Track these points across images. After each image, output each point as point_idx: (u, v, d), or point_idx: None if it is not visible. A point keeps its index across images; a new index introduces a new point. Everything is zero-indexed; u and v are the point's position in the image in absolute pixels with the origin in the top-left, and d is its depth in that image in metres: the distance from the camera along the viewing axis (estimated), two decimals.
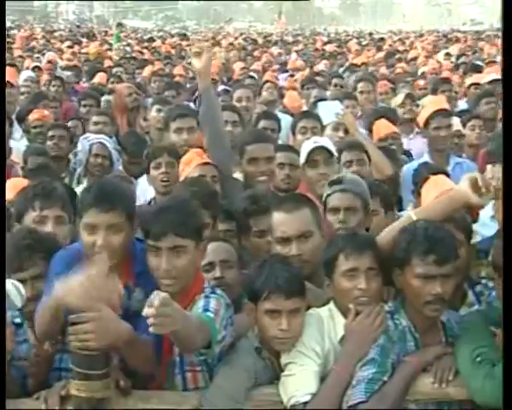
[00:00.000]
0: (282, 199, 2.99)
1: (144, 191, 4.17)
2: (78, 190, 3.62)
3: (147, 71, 9.71)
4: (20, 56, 11.89)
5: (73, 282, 2.10)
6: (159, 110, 5.53)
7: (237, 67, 10.39)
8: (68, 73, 9.66)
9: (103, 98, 6.65)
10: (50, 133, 5.04)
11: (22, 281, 2.46)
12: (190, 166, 3.67)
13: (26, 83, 7.49)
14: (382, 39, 21.16)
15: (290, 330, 2.38)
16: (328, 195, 3.07)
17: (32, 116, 5.42)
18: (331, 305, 2.53)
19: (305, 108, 6.33)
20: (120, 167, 4.82)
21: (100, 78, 8.44)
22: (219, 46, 17.20)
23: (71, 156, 5.04)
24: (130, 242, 2.46)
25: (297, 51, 15.79)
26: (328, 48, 16.27)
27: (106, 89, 7.45)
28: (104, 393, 2.20)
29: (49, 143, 4.99)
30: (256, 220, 3.10)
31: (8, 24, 28.31)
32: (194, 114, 4.50)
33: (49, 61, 10.57)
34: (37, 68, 9.27)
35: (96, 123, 5.44)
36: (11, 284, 1.80)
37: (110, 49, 15.24)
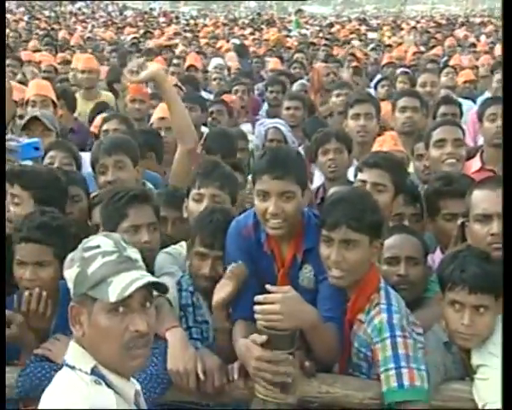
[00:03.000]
0: (483, 179, 2.78)
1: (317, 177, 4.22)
2: None
3: None
4: (207, 44, 12.45)
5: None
6: (338, 95, 5.54)
7: (410, 51, 10.11)
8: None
9: (298, 82, 6.76)
10: (210, 109, 5.18)
11: (204, 255, 2.58)
12: (382, 147, 3.62)
13: (216, 70, 7.78)
14: None
15: (473, 326, 2.26)
16: None
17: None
18: None
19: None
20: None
21: (274, 64, 8.58)
22: (400, 30, 16.81)
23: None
24: (302, 213, 2.45)
25: (486, 33, 14.96)
26: None
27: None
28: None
29: (208, 119, 5.12)
30: (446, 202, 2.94)
31: (194, 13, 29.83)
32: (373, 100, 4.44)
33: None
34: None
35: (287, 108, 5.54)
36: (131, 279, 1.73)
37: (289, 36, 15.45)
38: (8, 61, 7.39)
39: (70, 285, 1.77)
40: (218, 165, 3.10)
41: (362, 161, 3.15)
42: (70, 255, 1.79)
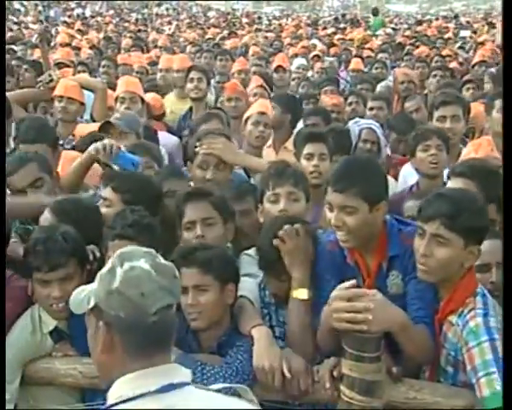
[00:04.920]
0: None
1: (406, 176, 4.16)
2: None
3: None
4: (290, 44, 12.46)
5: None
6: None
7: None
8: (331, 59, 9.90)
9: (382, 83, 6.71)
10: (306, 122, 5.16)
11: None
12: (478, 152, 3.53)
13: (298, 70, 7.84)
14: None
15: None
16: None
17: (331, 101, 5.61)
18: None
19: None
20: (388, 151, 4.84)
21: (355, 64, 8.50)
22: (493, 27, 16.28)
23: None
24: (384, 221, 2.43)
25: None
26: None
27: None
28: (375, 376, 2.21)
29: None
30: None
31: (276, 13, 29.92)
32: (460, 102, 4.33)
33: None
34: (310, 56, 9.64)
35: (371, 108, 5.52)
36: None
37: (375, 36, 15.25)
38: (103, 62, 7.68)
39: None
40: (289, 164, 3.12)
41: (450, 170, 3.12)
42: None
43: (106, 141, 3.20)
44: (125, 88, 5.00)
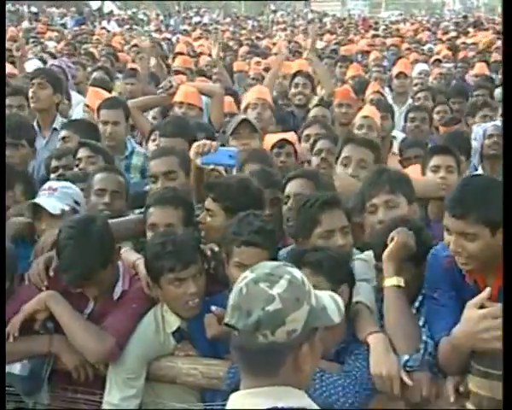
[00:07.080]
0: None
1: None
2: None
3: None
4: (408, 49, 12.15)
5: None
6: None
7: None
8: (449, 65, 9.61)
9: (498, 89, 6.51)
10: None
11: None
12: None
13: (419, 75, 7.66)
14: None
15: None
16: None
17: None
18: None
19: None
20: None
21: (479, 68, 8.20)
22: None
23: None
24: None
25: None
26: None
27: None
28: None
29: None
30: None
31: (393, 18, 29.31)
32: None
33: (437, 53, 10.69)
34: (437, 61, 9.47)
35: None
36: (330, 298, 1.67)
37: (500, 38, 14.59)
38: (214, 70, 7.84)
39: (297, 326, 1.58)
40: (383, 170, 3.02)
41: None
42: (285, 296, 1.57)
43: (200, 142, 3.23)
44: (256, 95, 5.04)
